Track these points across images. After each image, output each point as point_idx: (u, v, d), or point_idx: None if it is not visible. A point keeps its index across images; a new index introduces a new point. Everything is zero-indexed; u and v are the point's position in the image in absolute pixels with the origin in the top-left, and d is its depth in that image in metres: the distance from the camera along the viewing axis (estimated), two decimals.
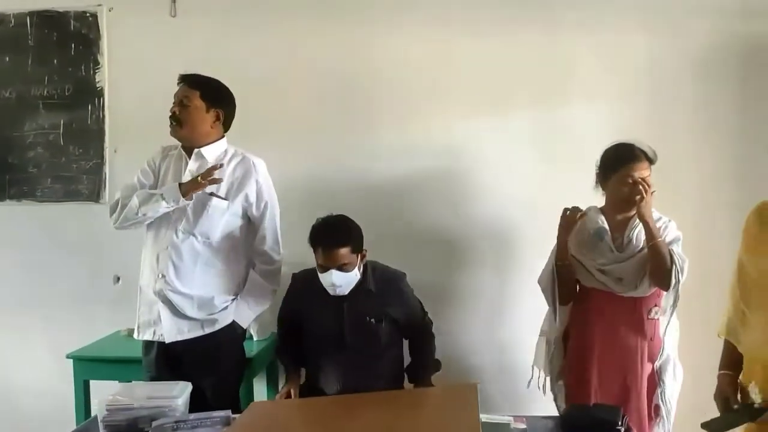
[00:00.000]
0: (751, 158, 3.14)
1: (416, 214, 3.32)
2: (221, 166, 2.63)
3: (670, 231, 2.60)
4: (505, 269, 3.30)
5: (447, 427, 1.80)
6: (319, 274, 2.66)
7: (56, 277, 3.53)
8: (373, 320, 2.69)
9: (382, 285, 2.73)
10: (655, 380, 2.61)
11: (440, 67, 3.27)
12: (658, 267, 2.53)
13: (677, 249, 2.59)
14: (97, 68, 3.50)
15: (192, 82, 2.67)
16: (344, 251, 2.61)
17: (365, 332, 2.69)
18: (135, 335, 2.76)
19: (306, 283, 2.76)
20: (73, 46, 3.50)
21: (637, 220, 2.57)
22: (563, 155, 3.21)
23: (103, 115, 3.50)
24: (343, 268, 2.62)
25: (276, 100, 3.35)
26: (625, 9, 3.16)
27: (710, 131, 3.16)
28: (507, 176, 3.27)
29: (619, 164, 2.57)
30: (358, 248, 2.66)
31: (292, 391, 2.70)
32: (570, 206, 2.59)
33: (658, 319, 2.62)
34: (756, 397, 1.85)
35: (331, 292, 2.66)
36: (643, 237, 2.58)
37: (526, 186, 3.25)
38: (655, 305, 2.62)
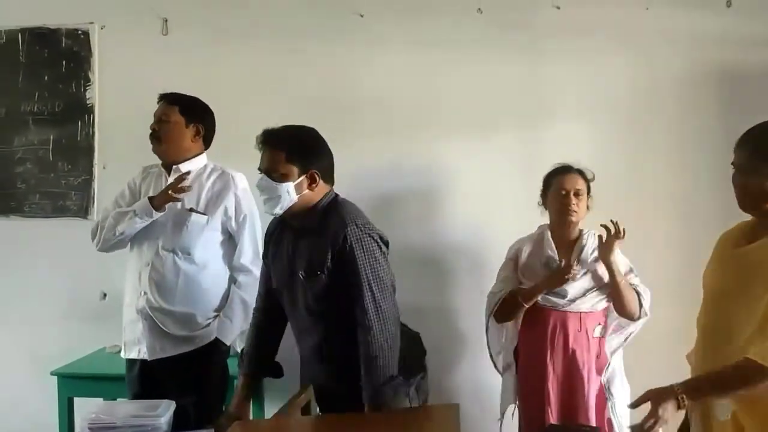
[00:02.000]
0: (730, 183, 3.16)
1: (398, 235, 3.30)
2: (189, 173, 2.65)
3: (620, 262, 2.70)
4: (483, 287, 3.23)
5: None
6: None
7: (42, 293, 3.51)
8: (302, 273, 2.21)
9: (326, 223, 2.20)
10: (605, 395, 2.69)
11: (424, 90, 3.30)
12: (624, 306, 2.67)
13: (636, 280, 2.71)
14: (88, 85, 3.51)
15: (170, 98, 2.71)
16: (271, 154, 2.20)
17: (295, 290, 2.25)
18: (122, 354, 2.76)
19: (275, 224, 2.39)
20: (64, 63, 3.52)
21: (584, 241, 2.72)
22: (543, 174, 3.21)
23: (93, 132, 3.51)
24: (270, 176, 2.20)
25: (264, 120, 3.34)
26: (606, 36, 3.20)
27: (690, 155, 3.20)
28: (489, 198, 3.30)
29: (552, 177, 2.76)
30: (298, 161, 2.19)
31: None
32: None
33: (603, 337, 2.72)
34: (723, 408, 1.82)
35: (265, 210, 2.29)
36: (589, 253, 2.71)
37: (507, 207, 3.27)
38: (599, 324, 2.73)
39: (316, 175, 2.21)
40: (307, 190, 2.21)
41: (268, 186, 2.20)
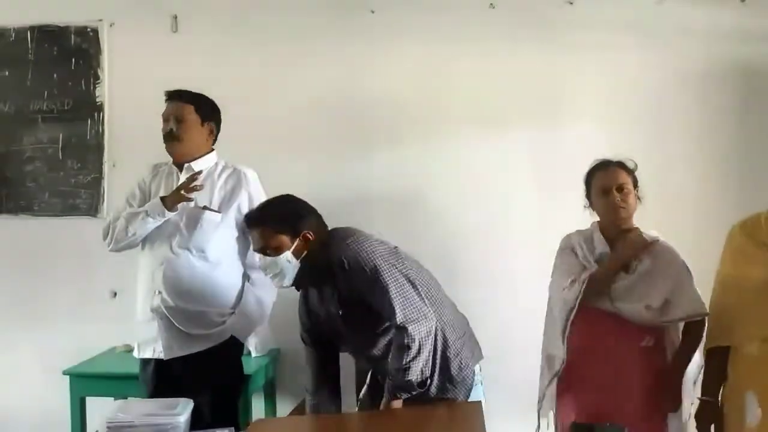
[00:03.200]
0: (748, 178, 3.16)
1: (411, 232, 3.28)
2: (200, 173, 2.64)
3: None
4: (495, 286, 3.27)
5: None
6: None
7: (53, 292, 3.49)
8: (339, 315, 2.29)
9: (328, 262, 2.27)
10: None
11: (435, 87, 3.28)
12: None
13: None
14: (98, 83, 3.49)
15: (185, 97, 2.69)
16: (260, 233, 2.27)
17: (333, 324, 2.33)
18: (135, 353, 2.74)
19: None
20: (73, 60, 3.50)
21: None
22: (559, 173, 3.20)
23: (102, 130, 3.49)
24: (266, 253, 2.28)
25: (274, 118, 3.35)
26: (624, 29, 3.18)
27: (707, 153, 3.18)
28: (501, 194, 3.28)
29: (591, 176, 2.54)
30: (286, 229, 2.26)
31: None
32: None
33: (651, 345, 2.45)
34: (753, 410, 1.83)
35: (276, 286, 2.40)
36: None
37: (522, 203, 3.26)
38: (648, 335, 2.46)
39: (308, 235, 2.28)
40: (306, 251, 2.28)
41: (269, 263, 2.27)
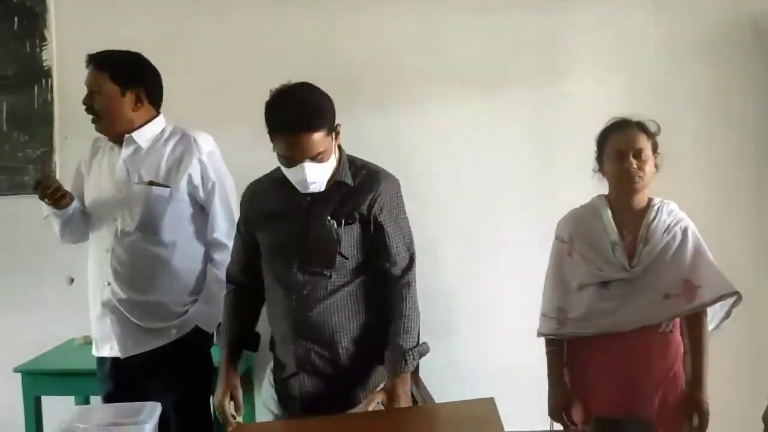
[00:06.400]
0: (766, 136, 2.99)
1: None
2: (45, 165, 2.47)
3: (687, 230, 2.24)
4: (488, 267, 3.09)
5: None
6: (285, 170, 1.99)
7: (1, 279, 3.25)
8: (334, 222, 1.99)
9: (364, 179, 2.04)
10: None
11: (426, 45, 3.06)
12: None
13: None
14: (44, 45, 3.22)
15: (98, 63, 2.36)
16: (318, 136, 1.92)
17: (321, 239, 2.00)
18: (93, 351, 2.48)
19: (260, 186, 2.16)
20: (16, 20, 3.23)
21: (653, 214, 2.23)
22: (557, 137, 3.04)
23: (52, 98, 3.22)
24: (318, 157, 1.94)
25: (247, 83, 3.04)
26: None
27: (721, 111, 3.00)
28: (500, 162, 3.07)
29: (606, 137, 2.25)
30: (333, 126, 1.98)
31: (230, 393, 2.08)
32: None
33: (670, 331, 2.24)
34: None
35: (302, 190, 1.99)
36: (661, 235, 2.21)
37: (521, 171, 3.07)
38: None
39: (339, 129, 2.05)
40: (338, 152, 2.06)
41: (318, 172, 1.97)
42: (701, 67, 2.99)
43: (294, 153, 1.92)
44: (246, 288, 2.17)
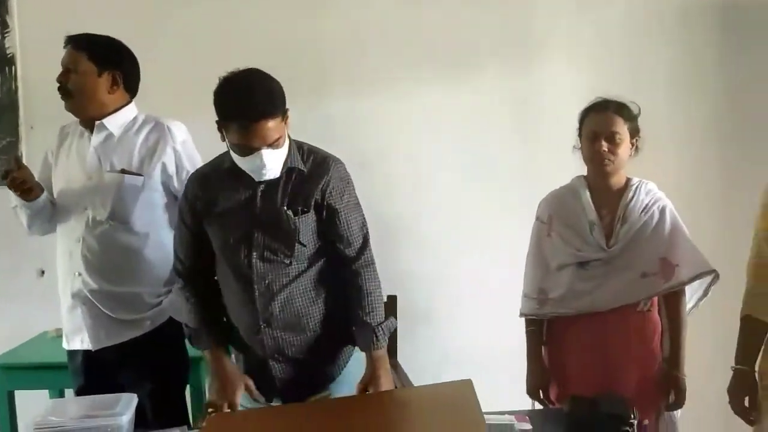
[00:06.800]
0: (736, 114, 3.03)
1: (377, 193, 3.04)
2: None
3: (665, 209, 2.25)
4: (467, 249, 3.10)
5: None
6: (238, 158, 1.92)
7: None
8: (290, 212, 1.96)
9: (314, 165, 2.00)
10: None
11: (397, 26, 3.03)
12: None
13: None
14: (7, 32, 3.14)
15: (77, 42, 2.32)
16: (274, 123, 1.87)
17: (279, 228, 1.97)
18: (64, 345, 2.43)
19: (206, 178, 2.07)
20: None
21: (631, 194, 2.24)
22: (537, 119, 3.04)
23: (16, 87, 3.16)
24: (274, 144, 1.89)
25: (215, 68, 2.98)
26: None
27: (691, 86, 3.03)
28: (477, 144, 3.07)
29: (584, 116, 2.26)
30: (285, 111, 1.92)
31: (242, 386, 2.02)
32: None
33: (648, 310, 2.25)
34: None
35: (257, 178, 1.95)
36: (639, 215, 2.23)
37: (499, 153, 3.07)
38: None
39: (289, 114, 1.97)
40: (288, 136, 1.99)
41: (275, 158, 1.93)
42: (670, 46, 3.01)
43: (250, 141, 1.87)
44: (204, 283, 2.11)
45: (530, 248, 2.37)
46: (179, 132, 2.38)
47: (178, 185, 2.36)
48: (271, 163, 1.91)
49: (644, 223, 2.23)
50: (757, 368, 2.00)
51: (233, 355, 2.15)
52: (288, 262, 1.98)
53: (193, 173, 2.12)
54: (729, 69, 3.01)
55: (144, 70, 2.45)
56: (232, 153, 1.93)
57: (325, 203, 1.98)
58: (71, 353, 2.40)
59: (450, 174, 3.08)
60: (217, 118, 1.91)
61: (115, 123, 2.34)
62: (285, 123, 1.92)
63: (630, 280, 2.20)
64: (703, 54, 3.01)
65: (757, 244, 1.98)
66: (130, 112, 2.38)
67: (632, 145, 2.25)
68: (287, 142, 1.95)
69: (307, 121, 2.93)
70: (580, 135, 2.29)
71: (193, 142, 2.42)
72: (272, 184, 1.96)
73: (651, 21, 3.01)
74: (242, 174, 1.95)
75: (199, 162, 2.40)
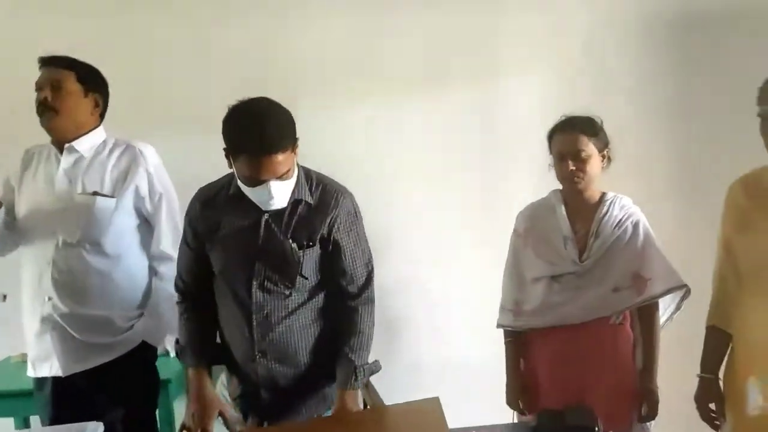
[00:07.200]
0: (693, 128, 3.06)
1: None
2: None
3: (638, 223, 2.27)
4: (435, 264, 3.11)
5: None
6: (247, 189, 1.90)
7: None
8: (295, 245, 1.94)
9: (322, 197, 1.97)
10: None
11: (366, 45, 3.03)
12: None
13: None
14: None
15: (65, 62, 2.32)
16: (284, 156, 1.84)
17: (281, 260, 1.95)
18: (30, 372, 2.37)
19: (211, 200, 2.03)
20: None
21: (605, 209, 2.26)
22: (504, 133, 3.06)
23: None
24: (283, 177, 1.88)
25: (183, 89, 2.99)
26: None
27: (651, 99, 3.06)
28: (447, 158, 3.08)
29: (551, 137, 2.28)
30: (295, 142, 1.89)
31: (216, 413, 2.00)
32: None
33: (620, 323, 2.26)
34: (756, 396, 1.69)
35: (264, 208, 1.93)
36: (612, 230, 2.24)
37: (468, 167, 3.08)
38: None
39: (297, 145, 1.96)
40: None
41: (283, 190, 1.91)
42: (626, 58, 3.05)
43: (259, 174, 1.84)
44: (201, 301, 2.09)
45: (507, 260, 2.39)
46: (151, 155, 2.38)
47: (150, 208, 2.36)
48: (279, 194, 1.89)
49: (617, 238, 2.25)
50: (721, 376, 2.03)
51: (223, 375, 2.13)
52: (288, 293, 1.96)
53: (197, 193, 2.09)
54: (686, 82, 3.05)
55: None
56: (239, 182, 1.92)
57: (332, 238, 1.97)
58: (39, 381, 2.35)
59: (424, 185, 3.08)
60: (225, 146, 1.88)
61: (85, 145, 2.33)
62: (294, 153, 1.90)
63: (602, 294, 2.22)
64: (665, 66, 3.05)
65: (719, 255, 2.01)
66: (99, 135, 2.38)
67: (603, 157, 2.27)
68: (296, 172, 1.94)
69: None
70: (551, 154, 2.31)
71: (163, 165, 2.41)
72: (277, 213, 1.94)
73: (605, 36, 3.05)
74: (247, 200, 1.93)
75: (170, 185, 2.41)
